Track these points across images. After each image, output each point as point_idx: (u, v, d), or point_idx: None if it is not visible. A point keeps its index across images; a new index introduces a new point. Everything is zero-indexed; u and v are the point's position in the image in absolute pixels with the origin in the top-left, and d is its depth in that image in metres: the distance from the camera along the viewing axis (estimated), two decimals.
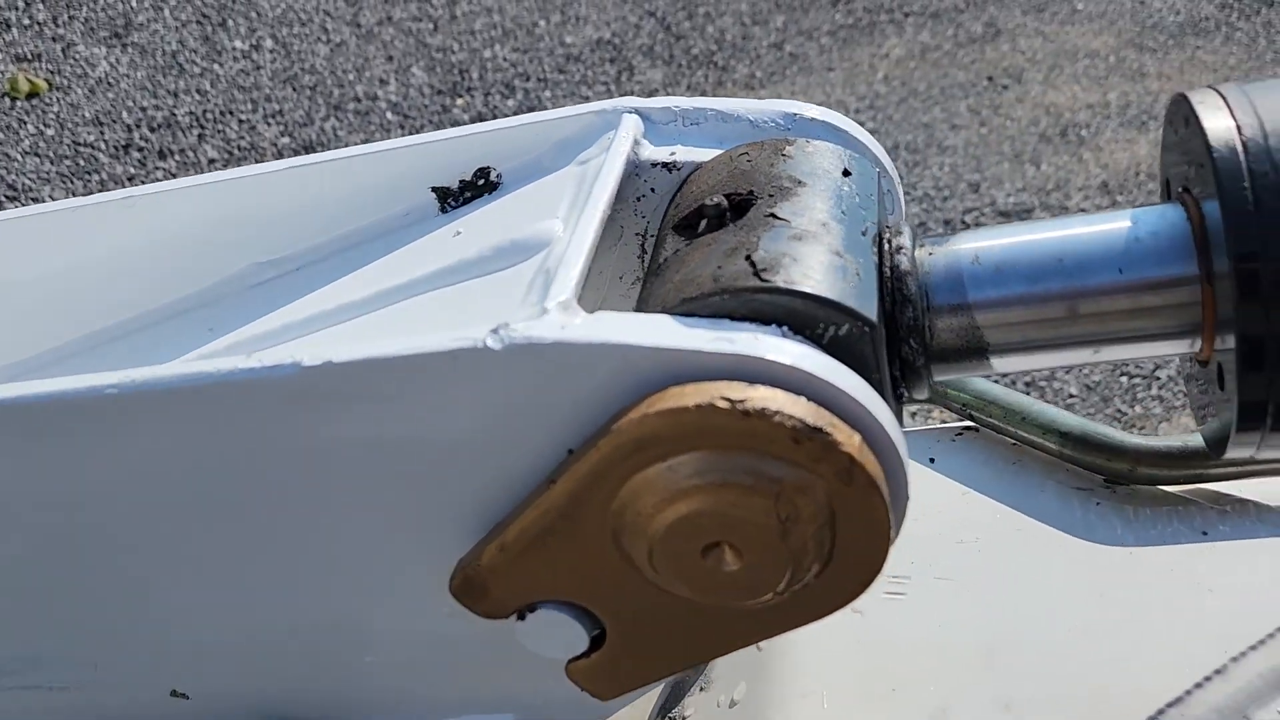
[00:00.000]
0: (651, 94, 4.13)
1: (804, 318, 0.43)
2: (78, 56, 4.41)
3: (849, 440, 0.39)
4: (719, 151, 0.54)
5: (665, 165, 0.55)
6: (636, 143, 0.55)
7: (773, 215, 0.47)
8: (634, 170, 0.55)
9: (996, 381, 0.66)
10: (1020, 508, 0.63)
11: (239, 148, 3.91)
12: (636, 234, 0.57)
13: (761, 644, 0.64)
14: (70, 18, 4.62)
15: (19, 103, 4.16)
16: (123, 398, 0.46)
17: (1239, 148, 0.41)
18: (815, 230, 0.46)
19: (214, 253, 0.63)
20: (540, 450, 0.44)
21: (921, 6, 4.44)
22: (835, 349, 0.43)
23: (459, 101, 4.11)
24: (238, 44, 4.48)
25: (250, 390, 0.45)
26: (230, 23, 4.61)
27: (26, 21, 4.59)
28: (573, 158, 0.56)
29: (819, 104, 0.52)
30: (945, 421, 0.71)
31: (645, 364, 0.41)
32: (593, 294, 0.57)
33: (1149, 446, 0.63)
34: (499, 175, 0.59)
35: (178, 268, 0.63)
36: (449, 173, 0.60)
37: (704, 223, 0.49)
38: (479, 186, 0.59)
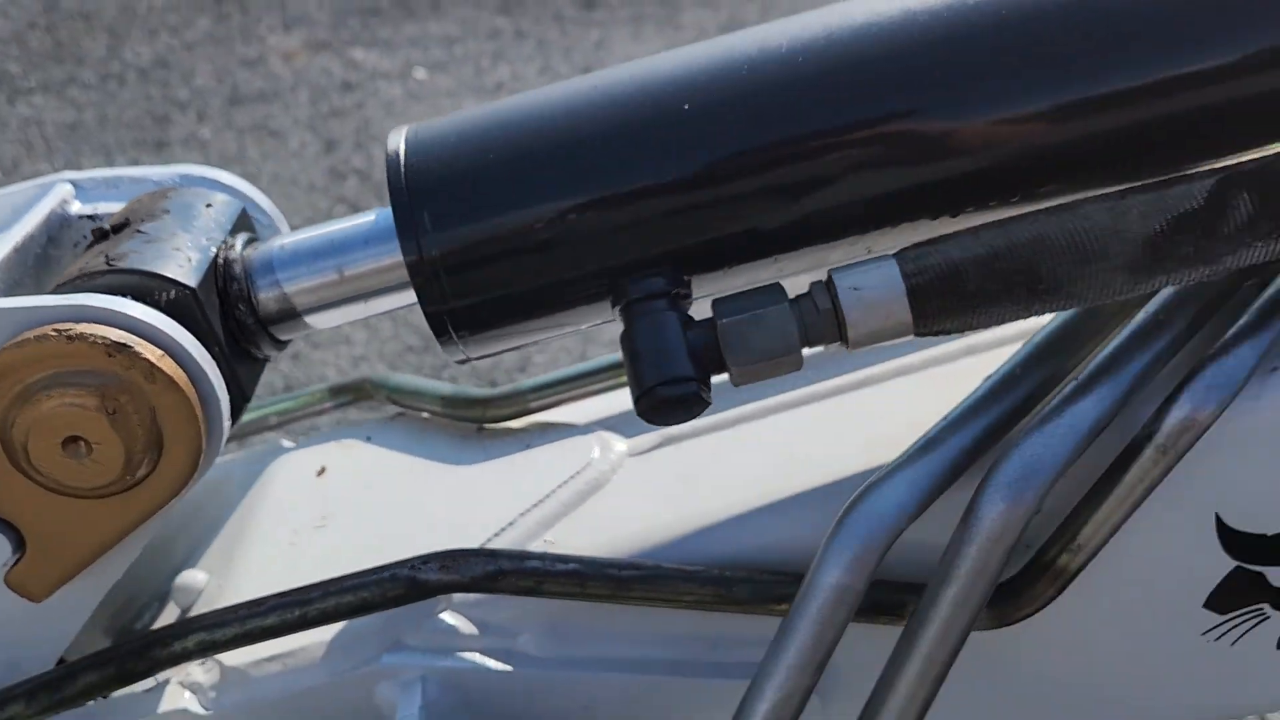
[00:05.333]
0: None
1: (142, 289, 0.62)
2: None
3: (150, 351, 0.58)
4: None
5: (90, 217, 0.74)
6: (65, 202, 0.74)
7: (138, 230, 0.66)
8: (66, 223, 0.74)
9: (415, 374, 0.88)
10: (421, 455, 0.85)
11: None
12: None
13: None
14: None
15: None
16: None
17: (401, 167, 0.62)
18: (164, 236, 0.66)
19: None
20: None
21: None
22: (171, 310, 0.62)
23: None
24: None
25: None
26: None
27: None
28: (19, 218, 0.74)
29: None
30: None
31: (11, 320, 0.59)
32: None
33: (489, 395, 0.86)
34: None
35: None
36: None
37: (94, 242, 0.68)
38: None
